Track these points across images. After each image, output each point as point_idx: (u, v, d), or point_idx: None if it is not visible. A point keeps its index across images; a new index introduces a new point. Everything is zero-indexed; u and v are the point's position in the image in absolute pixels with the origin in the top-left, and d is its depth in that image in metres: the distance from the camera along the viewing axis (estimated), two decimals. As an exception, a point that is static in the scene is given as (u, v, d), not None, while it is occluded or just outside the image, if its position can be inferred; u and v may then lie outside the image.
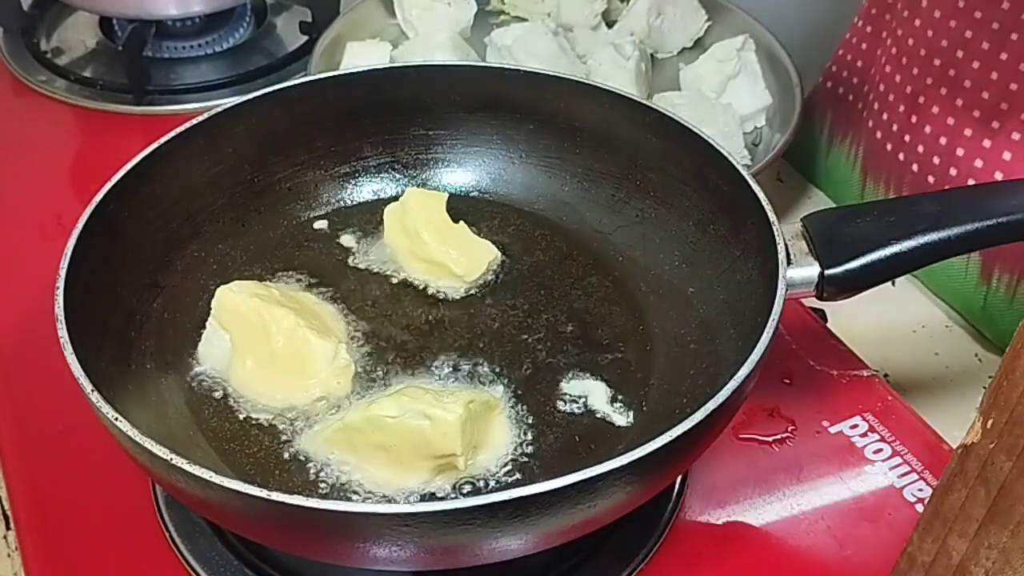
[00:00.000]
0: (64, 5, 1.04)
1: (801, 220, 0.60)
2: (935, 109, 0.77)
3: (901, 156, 0.81)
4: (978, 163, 0.75)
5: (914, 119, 0.79)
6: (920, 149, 0.79)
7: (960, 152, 0.76)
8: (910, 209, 0.60)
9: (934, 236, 0.57)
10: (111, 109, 0.95)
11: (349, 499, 0.54)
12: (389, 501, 0.54)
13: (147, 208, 0.64)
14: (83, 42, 1.05)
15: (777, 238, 0.57)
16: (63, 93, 0.96)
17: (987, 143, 0.74)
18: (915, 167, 0.79)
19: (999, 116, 0.73)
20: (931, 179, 0.78)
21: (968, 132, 0.75)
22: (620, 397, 0.60)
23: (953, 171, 0.76)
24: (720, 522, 0.61)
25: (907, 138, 0.80)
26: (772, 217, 0.58)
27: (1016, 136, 0.73)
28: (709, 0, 0.98)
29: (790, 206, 0.91)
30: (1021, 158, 0.73)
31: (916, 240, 0.57)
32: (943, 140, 0.77)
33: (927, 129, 0.78)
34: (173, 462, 0.46)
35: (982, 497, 0.41)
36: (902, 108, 0.80)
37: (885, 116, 0.82)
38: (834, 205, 0.90)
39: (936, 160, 0.77)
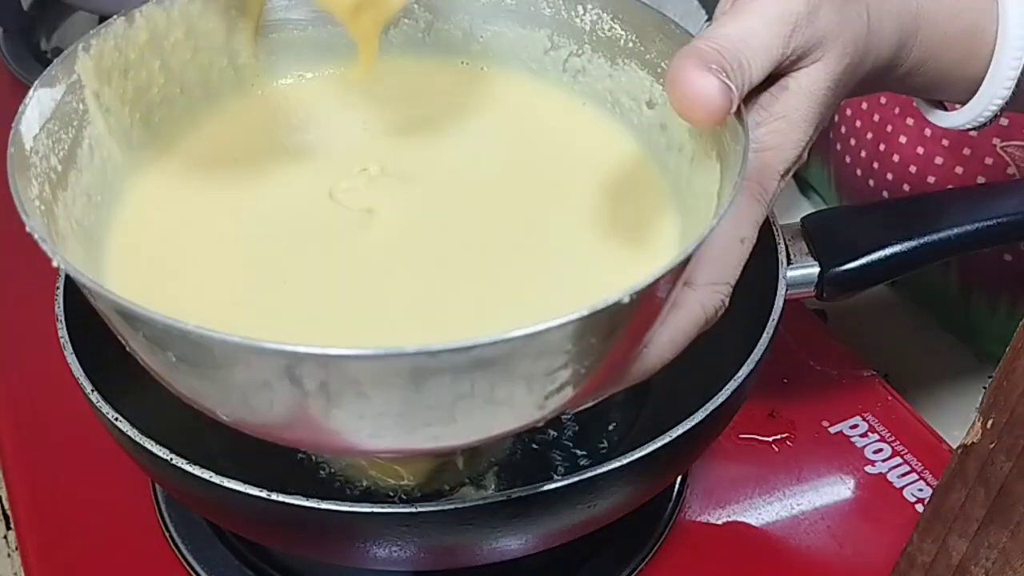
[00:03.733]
0: (64, 5, 1.04)
1: (801, 220, 0.59)
2: (903, 139, 0.76)
3: (871, 183, 0.80)
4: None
5: (882, 147, 0.79)
6: (889, 177, 0.78)
7: (932, 180, 0.75)
8: (910, 209, 0.59)
9: (934, 236, 0.57)
10: (111, 109, 0.95)
11: (349, 499, 0.54)
12: (389, 501, 0.54)
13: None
14: (83, 42, 1.05)
15: (777, 238, 0.56)
16: (63, 93, 0.96)
17: (959, 170, 0.73)
18: (885, 194, 0.79)
19: (970, 143, 0.72)
20: None
21: (939, 160, 0.74)
22: (620, 397, 0.60)
23: None
24: (720, 522, 0.61)
25: (876, 165, 0.79)
26: (772, 216, 0.58)
27: (989, 161, 0.72)
28: (709, 0, 0.98)
29: (790, 206, 0.91)
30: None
31: (916, 240, 0.57)
32: (913, 168, 0.76)
33: (895, 158, 0.77)
34: (173, 462, 0.46)
35: (982, 497, 0.41)
36: (870, 136, 0.80)
37: (853, 142, 0.82)
38: (834, 205, 0.90)
39: (907, 188, 0.77)
